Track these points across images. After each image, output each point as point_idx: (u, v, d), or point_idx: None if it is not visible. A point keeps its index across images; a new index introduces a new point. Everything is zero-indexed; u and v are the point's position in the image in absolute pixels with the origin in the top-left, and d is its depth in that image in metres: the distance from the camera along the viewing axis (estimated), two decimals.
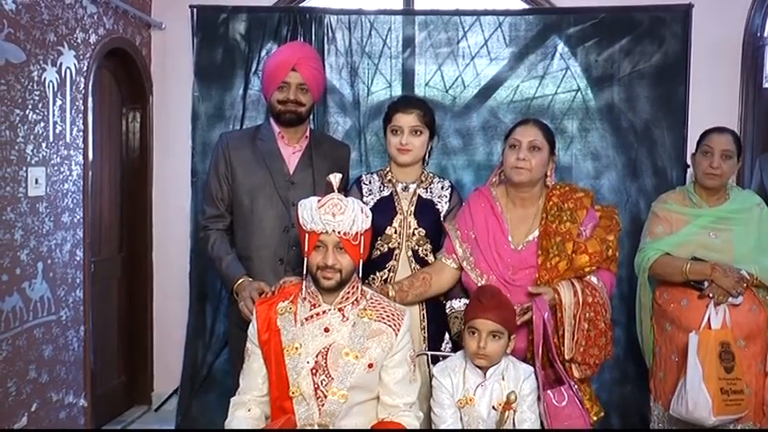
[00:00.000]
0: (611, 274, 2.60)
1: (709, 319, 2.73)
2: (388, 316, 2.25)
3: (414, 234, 2.72)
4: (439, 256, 2.71)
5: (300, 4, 4.13)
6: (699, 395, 2.64)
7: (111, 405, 4.06)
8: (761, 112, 3.86)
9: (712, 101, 3.83)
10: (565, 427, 2.36)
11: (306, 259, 2.22)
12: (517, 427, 2.31)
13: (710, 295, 2.75)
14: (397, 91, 3.90)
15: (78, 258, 3.52)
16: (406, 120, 2.71)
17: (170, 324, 4.18)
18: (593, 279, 2.53)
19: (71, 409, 3.48)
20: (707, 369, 2.65)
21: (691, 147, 3.76)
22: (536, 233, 2.58)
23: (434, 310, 2.74)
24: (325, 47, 3.88)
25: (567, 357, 2.43)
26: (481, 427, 2.28)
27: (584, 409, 2.39)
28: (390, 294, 2.54)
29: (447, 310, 2.75)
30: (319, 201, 2.20)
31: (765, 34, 3.85)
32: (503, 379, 2.32)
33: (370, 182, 2.83)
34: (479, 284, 2.55)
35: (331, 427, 2.16)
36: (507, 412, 2.14)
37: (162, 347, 4.28)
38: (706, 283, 2.77)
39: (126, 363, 4.23)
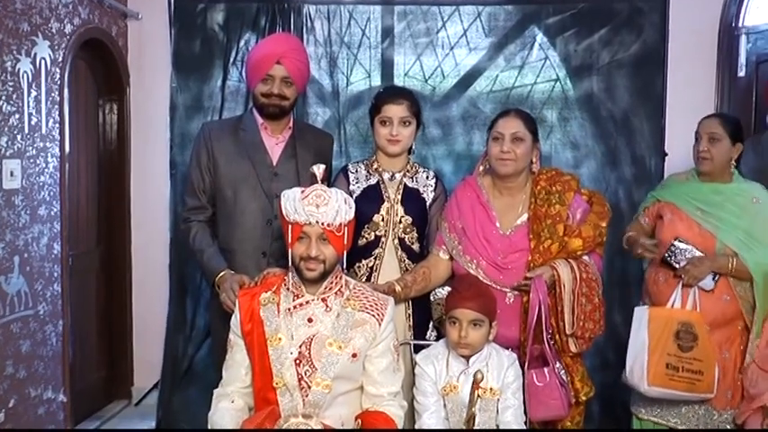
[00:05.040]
0: (598, 257, 2.68)
1: (674, 300, 2.78)
2: (371, 306, 2.25)
3: (400, 221, 2.73)
4: (432, 250, 2.74)
5: None
6: (635, 362, 2.73)
7: (90, 400, 4.02)
8: (736, 100, 3.89)
9: (689, 90, 3.86)
10: (541, 407, 2.43)
11: (289, 250, 2.22)
12: (501, 413, 2.33)
13: (682, 276, 2.78)
14: (377, 81, 3.89)
15: (56, 252, 3.47)
16: (396, 110, 2.70)
17: (150, 317, 4.15)
18: (585, 257, 2.60)
19: (50, 404, 3.44)
20: (653, 342, 2.71)
21: (669, 135, 3.82)
22: (524, 217, 2.62)
23: (419, 298, 2.73)
24: (304, 37, 3.86)
25: (568, 332, 2.49)
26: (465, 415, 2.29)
27: (564, 393, 2.46)
28: (397, 290, 2.57)
29: (431, 297, 2.75)
30: (302, 192, 2.18)
31: (740, 24, 3.88)
32: (486, 366, 2.33)
33: (356, 170, 2.82)
34: (469, 271, 2.58)
35: (315, 418, 2.16)
36: (476, 391, 2.16)
37: (142, 341, 4.24)
38: (682, 263, 2.79)
39: (105, 357, 4.19)
